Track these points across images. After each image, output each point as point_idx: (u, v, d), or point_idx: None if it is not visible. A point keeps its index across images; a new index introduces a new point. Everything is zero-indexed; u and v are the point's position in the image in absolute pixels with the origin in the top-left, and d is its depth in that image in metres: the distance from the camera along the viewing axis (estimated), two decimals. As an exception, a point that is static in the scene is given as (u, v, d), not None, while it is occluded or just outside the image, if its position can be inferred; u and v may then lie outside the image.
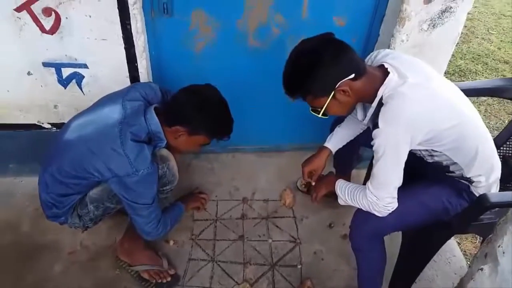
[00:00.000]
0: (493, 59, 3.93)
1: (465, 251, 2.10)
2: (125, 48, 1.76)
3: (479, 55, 3.97)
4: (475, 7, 4.90)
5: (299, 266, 1.89)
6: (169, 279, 1.76)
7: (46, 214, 1.64)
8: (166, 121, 1.52)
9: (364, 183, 1.52)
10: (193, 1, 1.81)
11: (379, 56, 1.45)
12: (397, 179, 1.35)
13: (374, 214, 1.42)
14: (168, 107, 1.57)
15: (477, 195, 1.44)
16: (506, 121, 2.96)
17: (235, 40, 1.96)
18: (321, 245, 2.00)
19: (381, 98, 1.33)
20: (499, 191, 1.51)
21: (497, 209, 1.61)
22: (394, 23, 1.84)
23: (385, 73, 1.35)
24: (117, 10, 1.65)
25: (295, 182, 2.29)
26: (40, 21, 1.65)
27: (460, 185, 1.48)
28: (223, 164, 2.39)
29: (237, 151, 2.43)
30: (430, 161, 1.47)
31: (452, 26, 1.85)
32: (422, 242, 1.59)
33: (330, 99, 1.35)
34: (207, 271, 1.85)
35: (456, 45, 3.05)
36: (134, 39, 1.74)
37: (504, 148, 1.74)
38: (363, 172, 2.15)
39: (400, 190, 1.38)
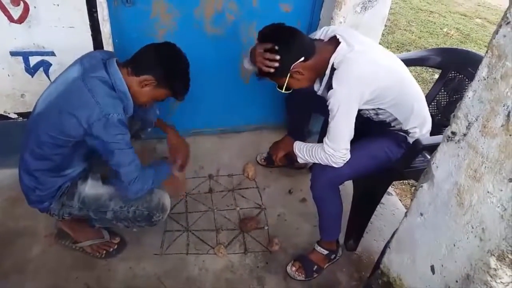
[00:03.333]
0: (415, 47, 4.44)
1: (406, 206, 2.41)
2: (91, 35, 1.87)
3: (403, 44, 4.46)
4: (396, 3, 5.47)
5: (266, 228, 2.09)
6: (115, 247, 1.87)
7: (29, 199, 1.66)
8: (134, 70, 1.54)
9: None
10: (153, -10, 1.96)
11: (330, 30, 1.69)
12: (350, 132, 1.59)
13: (330, 166, 1.66)
14: (137, 57, 1.58)
15: (413, 143, 1.73)
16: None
17: (193, 27, 2.13)
18: (283, 208, 2.22)
19: (333, 65, 1.57)
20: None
21: (429, 158, 1.93)
22: (333, 7, 2.12)
23: (336, 43, 1.59)
24: (84, -1, 1.77)
25: (255, 158, 2.49)
26: (8, 11, 1.71)
27: (399, 136, 1.76)
28: (186, 147, 2.53)
29: (199, 134, 2.58)
30: (376, 120, 1.74)
31: (380, 8, 2.17)
32: (370, 189, 1.85)
33: (288, 79, 1.60)
34: (183, 239, 1.99)
35: (382, 36, 3.41)
36: (100, 26, 1.85)
37: (430, 108, 2.07)
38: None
39: (351, 145, 1.63)
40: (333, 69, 1.57)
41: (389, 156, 1.76)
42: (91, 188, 1.66)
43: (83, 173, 1.68)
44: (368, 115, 1.74)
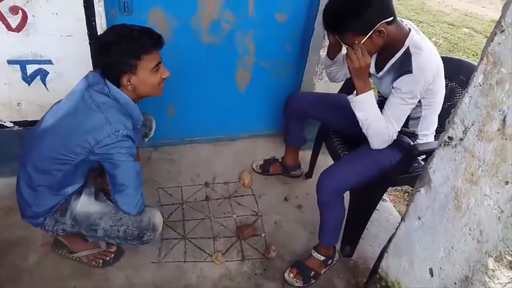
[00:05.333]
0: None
1: (399, 211, 2.45)
2: (89, 44, 1.88)
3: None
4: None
5: (262, 235, 2.10)
6: (112, 255, 1.85)
7: (24, 214, 1.63)
8: (111, 81, 1.51)
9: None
10: (150, -1, 1.98)
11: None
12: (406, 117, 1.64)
13: (337, 173, 1.71)
14: (102, 72, 1.53)
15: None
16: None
17: (190, 36, 2.15)
18: (280, 215, 2.23)
19: (408, 48, 1.57)
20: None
21: (424, 163, 1.96)
22: (327, 17, 2.16)
23: (407, 28, 1.61)
24: (83, 7, 1.78)
25: (251, 165, 2.51)
26: (6, 19, 1.71)
27: (404, 143, 1.77)
28: (182, 155, 2.54)
29: (194, 142, 2.60)
30: None
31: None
32: (366, 196, 1.87)
33: (367, 38, 1.52)
34: (180, 247, 1.98)
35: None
36: (98, 34, 1.86)
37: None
38: (308, 153, 2.43)
39: (356, 152, 1.65)
40: (406, 53, 1.57)
41: (392, 164, 1.76)
42: (83, 205, 1.63)
43: (79, 188, 1.66)
44: None
